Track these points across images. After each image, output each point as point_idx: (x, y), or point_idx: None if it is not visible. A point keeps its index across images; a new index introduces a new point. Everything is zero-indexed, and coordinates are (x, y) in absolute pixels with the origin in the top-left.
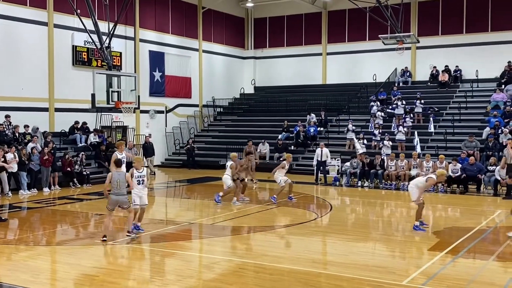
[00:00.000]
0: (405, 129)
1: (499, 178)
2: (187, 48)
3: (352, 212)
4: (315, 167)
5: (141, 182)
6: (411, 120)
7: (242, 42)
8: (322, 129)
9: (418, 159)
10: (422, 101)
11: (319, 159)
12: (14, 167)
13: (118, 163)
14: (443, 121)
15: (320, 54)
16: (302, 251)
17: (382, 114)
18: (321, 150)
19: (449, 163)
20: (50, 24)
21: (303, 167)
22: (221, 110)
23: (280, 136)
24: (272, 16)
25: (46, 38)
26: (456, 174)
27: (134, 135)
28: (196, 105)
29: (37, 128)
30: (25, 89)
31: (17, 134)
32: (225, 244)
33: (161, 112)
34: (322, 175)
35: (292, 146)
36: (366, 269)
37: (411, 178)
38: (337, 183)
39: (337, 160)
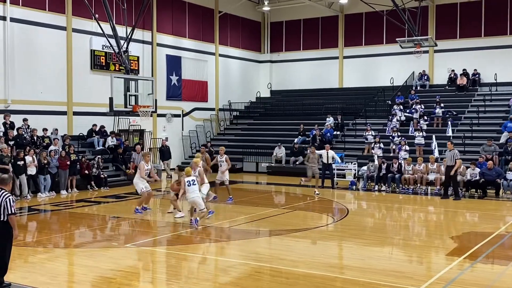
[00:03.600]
0: (423, 132)
1: None
2: (203, 52)
3: (369, 217)
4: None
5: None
6: (426, 123)
7: (259, 46)
8: (338, 132)
9: (436, 163)
10: (442, 105)
11: (325, 161)
12: (32, 170)
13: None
14: (461, 125)
15: (336, 58)
16: (319, 255)
17: (398, 117)
18: (327, 153)
19: (468, 167)
20: (69, 28)
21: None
22: (237, 114)
23: (296, 140)
24: (289, 19)
25: (64, 43)
26: (475, 179)
27: (151, 138)
28: (213, 109)
29: (56, 130)
30: (44, 92)
31: (35, 138)
32: (241, 247)
33: (178, 115)
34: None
35: (308, 150)
36: (383, 274)
37: (429, 182)
38: (354, 187)
39: (354, 164)
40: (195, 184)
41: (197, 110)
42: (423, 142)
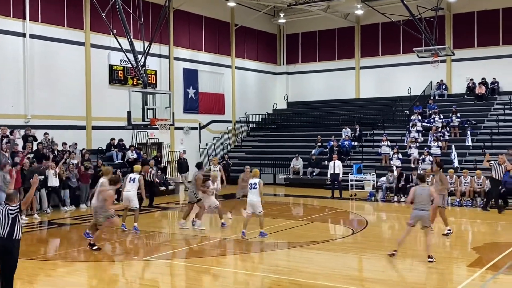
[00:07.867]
0: (441, 143)
1: None
2: (220, 65)
3: (389, 228)
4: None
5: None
6: (448, 134)
7: (275, 58)
8: (356, 143)
9: (455, 175)
10: (458, 115)
11: (332, 171)
12: (55, 182)
13: (422, 179)
14: (481, 134)
15: (353, 69)
16: (338, 268)
17: (417, 128)
18: (334, 163)
19: (488, 177)
20: (87, 44)
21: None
22: (254, 126)
23: (313, 151)
24: (304, 31)
25: (83, 58)
26: None
27: (169, 151)
28: (229, 121)
29: (76, 144)
30: (63, 107)
31: (55, 152)
32: (260, 260)
33: (195, 128)
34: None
35: (326, 161)
36: (403, 286)
37: (450, 193)
38: (373, 198)
39: (372, 175)
40: (255, 188)
41: (214, 122)
42: (439, 152)
